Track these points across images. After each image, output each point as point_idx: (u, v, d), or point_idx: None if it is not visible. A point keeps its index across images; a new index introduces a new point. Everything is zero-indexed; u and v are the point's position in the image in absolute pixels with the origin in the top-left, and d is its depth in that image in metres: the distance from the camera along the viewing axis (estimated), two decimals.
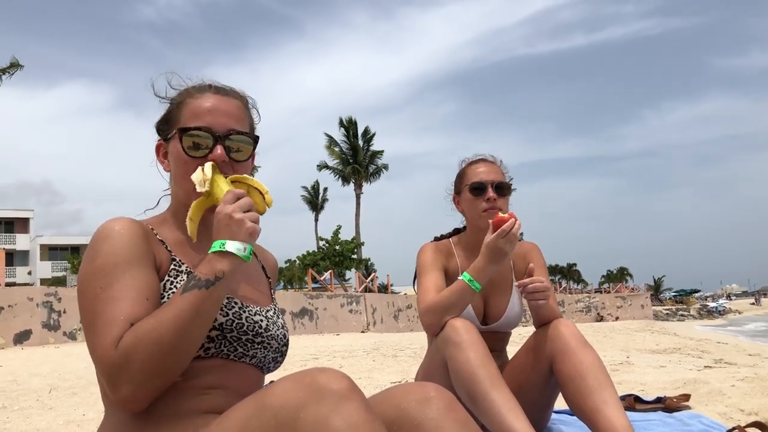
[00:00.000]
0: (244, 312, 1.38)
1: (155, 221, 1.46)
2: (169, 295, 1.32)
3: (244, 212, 1.27)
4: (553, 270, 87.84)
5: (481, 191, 2.43)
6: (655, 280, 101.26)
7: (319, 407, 1.01)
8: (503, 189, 2.43)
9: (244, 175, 1.39)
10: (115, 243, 1.29)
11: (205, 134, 1.39)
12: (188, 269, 1.38)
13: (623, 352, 8.61)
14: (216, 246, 1.25)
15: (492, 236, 2.17)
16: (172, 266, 1.37)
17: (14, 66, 28.88)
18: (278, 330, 1.45)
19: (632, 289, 58.21)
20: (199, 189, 1.34)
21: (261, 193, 1.37)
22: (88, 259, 1.29)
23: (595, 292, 51.60)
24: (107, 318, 1.22)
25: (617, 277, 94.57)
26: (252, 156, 1.46)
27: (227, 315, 1.34)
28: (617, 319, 32.37)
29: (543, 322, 2.31)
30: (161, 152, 1.49)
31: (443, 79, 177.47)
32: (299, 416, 1.01)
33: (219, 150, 1.39)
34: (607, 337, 14.25)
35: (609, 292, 49.08)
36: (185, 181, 1.39)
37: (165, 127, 1.48)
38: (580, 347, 2.15)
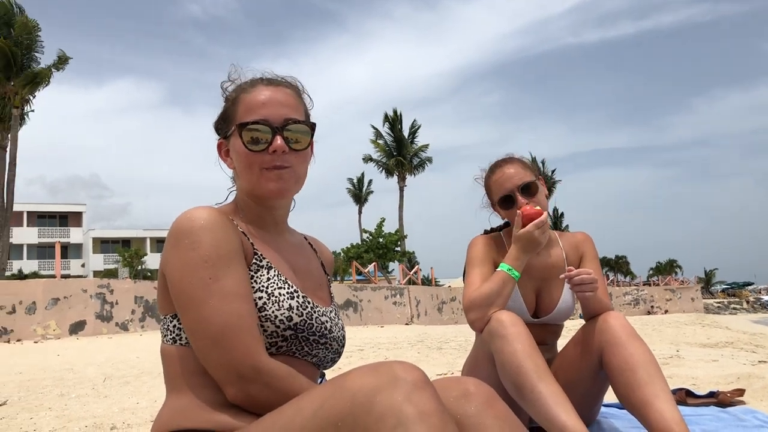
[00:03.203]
0: (315, 313, 1.41)
1: (229, 212, 1.48)
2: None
3: None
4: (602, 262, 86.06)
5: (510, 203, 2.38)
6: (706, 272, 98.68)
7: (393, 393, 1.05)
8: (530, 189, 2.36)
9: None
10: (217, 235, 1.31)
11: (263, 127, 1.41)
12: (269, 264, 1.40)
13: (673, 345, 8.45)
14: None
15: (525, 228, 2.22)
16: (254, 260, 1.39)
17: (63, 60, 29.41)
18: (339, 332, 1.49)
19: (682, 281, 56.86)
20: None
21: None
22: (188, 246, 1.30)
23: (644, 284, 50.51)
24: (237, 320, 1.26)
25: (666, 269, 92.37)
26: (311, 144, 1.48)
27: (302, 315, 1.37)
28: (666, 312, 31.69)
29: (592, 315, 2.28)
30: (223, 150, 1.51)
31: (488, 70, 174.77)
32: (375, 399, 1.05)
33: (279, 141, 1.40)
34: (656, 330, 13.98)
35: (658, 284, 48.06)
36: (249, 174, 1.42)
37: (223, 125, 1.50)
38: (630, 340, 2.12)
